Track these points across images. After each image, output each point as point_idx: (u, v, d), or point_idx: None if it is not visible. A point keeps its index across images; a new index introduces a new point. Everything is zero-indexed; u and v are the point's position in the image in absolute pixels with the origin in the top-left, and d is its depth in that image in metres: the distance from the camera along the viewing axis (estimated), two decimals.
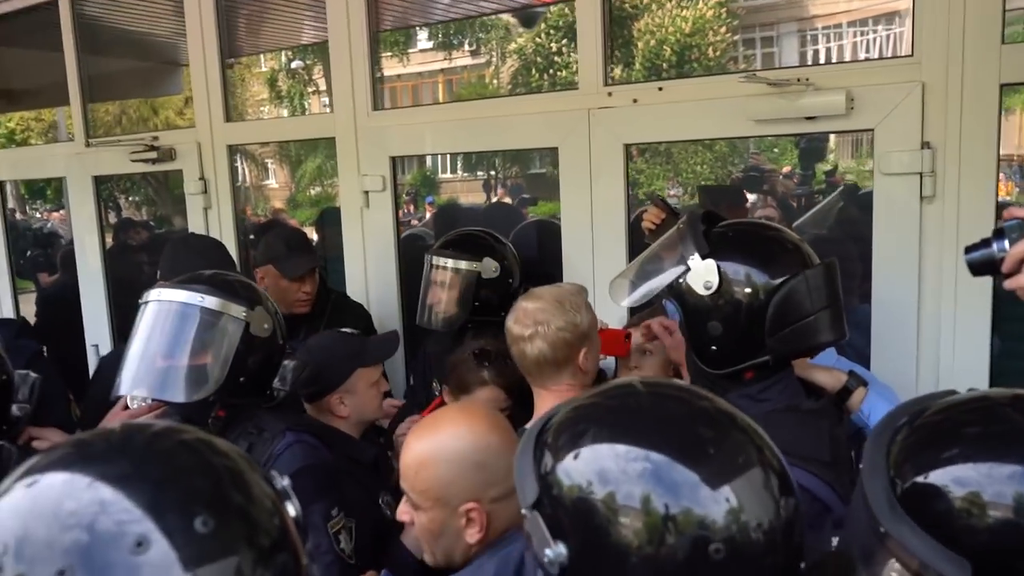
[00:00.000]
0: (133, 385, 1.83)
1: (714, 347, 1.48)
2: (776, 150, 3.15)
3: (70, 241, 4.42)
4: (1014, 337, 2.15)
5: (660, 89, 2.53)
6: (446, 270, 2.57)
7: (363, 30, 3.09)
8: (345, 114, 3.17)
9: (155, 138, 3.74)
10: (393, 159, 3.12)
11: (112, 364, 2.58)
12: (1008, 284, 1.10)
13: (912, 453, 0.90)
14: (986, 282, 2.06)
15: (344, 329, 2.28)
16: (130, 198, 5.11)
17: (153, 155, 3.65)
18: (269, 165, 4.48)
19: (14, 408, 1.92)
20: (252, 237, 3.82)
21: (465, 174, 4.16)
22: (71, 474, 0.73)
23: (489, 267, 2.55)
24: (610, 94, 2.60)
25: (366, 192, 3.16)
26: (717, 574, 0.85)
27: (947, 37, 2.07)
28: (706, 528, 0.85)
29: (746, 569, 0.87)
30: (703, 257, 1.46)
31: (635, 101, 2.56)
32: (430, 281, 2.61)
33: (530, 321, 1.81)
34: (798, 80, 2.24)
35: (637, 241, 2.65)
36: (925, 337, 2.16)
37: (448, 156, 3.96)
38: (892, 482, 0.88)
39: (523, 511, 0.93)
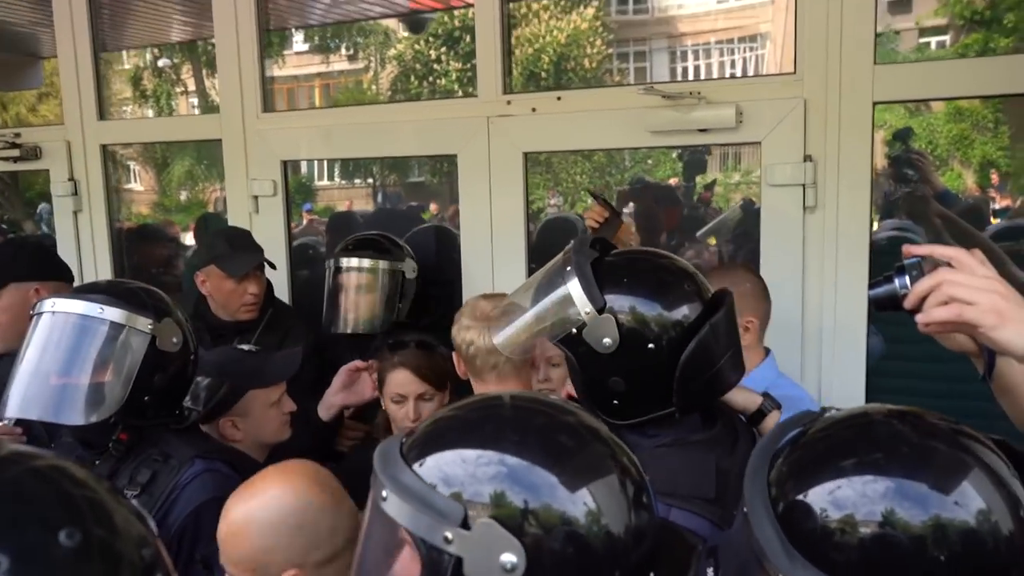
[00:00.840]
0: (23, 407, 1.65)
1: (616, 401, 1.36)
2: (650, 162, 3.28)
3: None
4: (890, 339, 2.31)
5: (559, 99, 2.57)
6: (365, 272, 2.52)
7: (253, 28, 2.98)
8: (233, 115, 3.05)
9: (17, 135, 3.46)
10: (285, 163, 3.02)
11: None
12: (920, 319, 1.09)
13: (792, 475, 0.91)
14: (861, 291, 2.22)
15: (243, 346, 2.16)
16: None
17: (15, 153, 3.38)
18: (132, 167, 4.24)
19: None
20: (128, 244, 3.61)
21: (343, 181, 4.09)
22: None
23: (410, 267, 2.55)
24: (509, 102, 2.62)
25: (255, 197, 3.04)
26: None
27: (825, 56, 2.21)
28: (569, 524, 0.85)
29: (598, 569, 0.86)
30: (599, 311, 1.31)
31: (534, 110, 2.59)
32: (346, 285, 2.53)
33: (493, 306, 1.74)
34: (691, 94, 2.33)
35: (536, 249, 2.69)
36: (809, 339, 2.29)
37: (326, 163, 3.89)
38: (774, 504, 0.89)
39: (446, 534, 0.84)
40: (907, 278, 1.12)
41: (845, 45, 2.18)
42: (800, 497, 0.87)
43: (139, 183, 4.38)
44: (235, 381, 1.98)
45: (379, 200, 4.00)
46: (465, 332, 1.81)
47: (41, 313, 1.70)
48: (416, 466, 0.90)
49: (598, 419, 1.01)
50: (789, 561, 0.84)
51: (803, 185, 2.24)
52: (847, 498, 0.84)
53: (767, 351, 2.02)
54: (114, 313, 1.65)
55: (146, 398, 1.68)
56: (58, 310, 1.68)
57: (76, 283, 3.18)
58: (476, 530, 0.84)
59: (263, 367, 2.04)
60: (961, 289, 1.05)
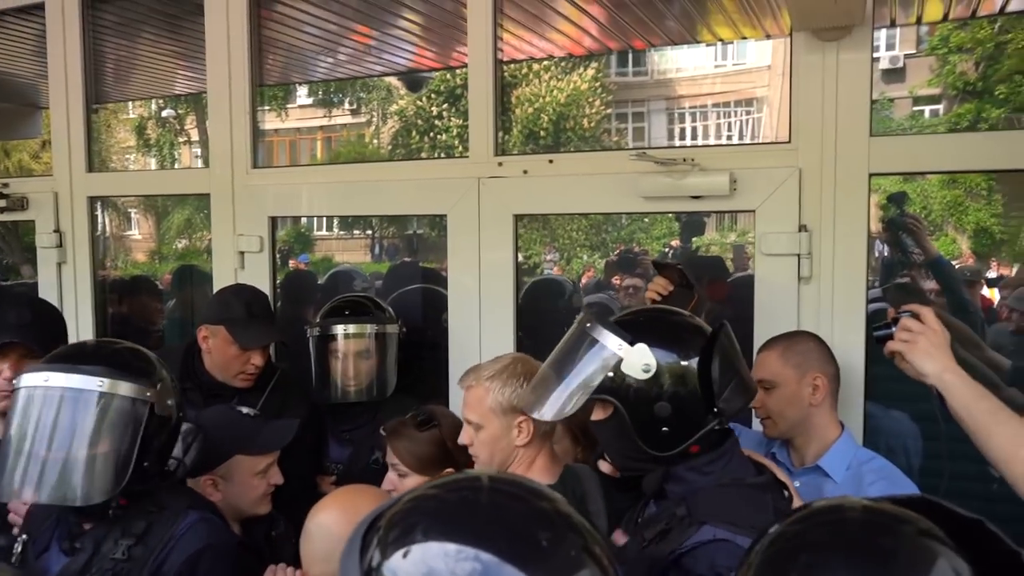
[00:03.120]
0: (22, 490, 1.56)
1: (665, 428, 1.46)
2: (647, 220, 3.26)
3: None
4: (886, 403, 2.27)
5: (551, 161, 2.54)
6: (368, 337, 2.45)
7: (245, 84, 2.97)
8: (222, 170, 3.01)
9: (5, 184, 3.43)
10: (272, 219, 2.98)
11: None
12: (888, 346, 1.68)
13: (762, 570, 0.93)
14: (859, 362, 2.17)
15: (243, 408, 2.08)
16: None
17: (2, 203, 3.34)
18: (132, 214, 4.21)
19: None
20: (116, 295, 3.55)
21: (342, 232, 4.07)
22: None
23: (398, 330, 2.52)
24: (500, 164, 2.58)
25: (241, 252, 2.99)
26: None
27: (820, 126, 2.18)
28: None
29: None
30: (631, 344, 1.45)
31: (525, 172, 2.55)
32: (342, 352, 2.44)
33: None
34: (684, 160, 2.29)
35: (525, 312, 2.63)
36: None
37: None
38: None
39: None
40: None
41: (840, 116, 2.16)
42: None
43: (138, 230, 4.35)
44: (224, 442, 1.94)
45: (376, 252, 3.96)
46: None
47: (24, 387, 1.60)
48: (376, 529, 0.90)
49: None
50: None
51: (798, 255, 2.20)
52: None
53: (842, 426, 2.00)
54: (112, 384, 1.59)
55: (145, 464, 1.62)
56: (52, 384, 1.59)
57: None
58: None
59: (255, 434, 1.99)
60: (910, 333, 1.65)
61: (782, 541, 0.97)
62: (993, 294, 2.50)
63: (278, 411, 2.35)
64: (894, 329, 1.69)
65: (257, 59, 3.00)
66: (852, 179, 2.15)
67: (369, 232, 4.04)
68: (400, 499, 0.97)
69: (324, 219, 3.94)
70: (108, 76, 3.52)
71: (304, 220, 3.59)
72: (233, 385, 2.39)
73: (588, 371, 1.48)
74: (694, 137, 3.05)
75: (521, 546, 0.87)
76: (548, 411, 1.53)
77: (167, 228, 4.23)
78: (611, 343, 1.47)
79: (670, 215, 3.21)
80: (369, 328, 2.46)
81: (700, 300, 2.00)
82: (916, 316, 1.68)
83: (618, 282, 3.51)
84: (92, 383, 1.58)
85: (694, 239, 3.24)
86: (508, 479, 1.04)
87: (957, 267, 2.50)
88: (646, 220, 3.23)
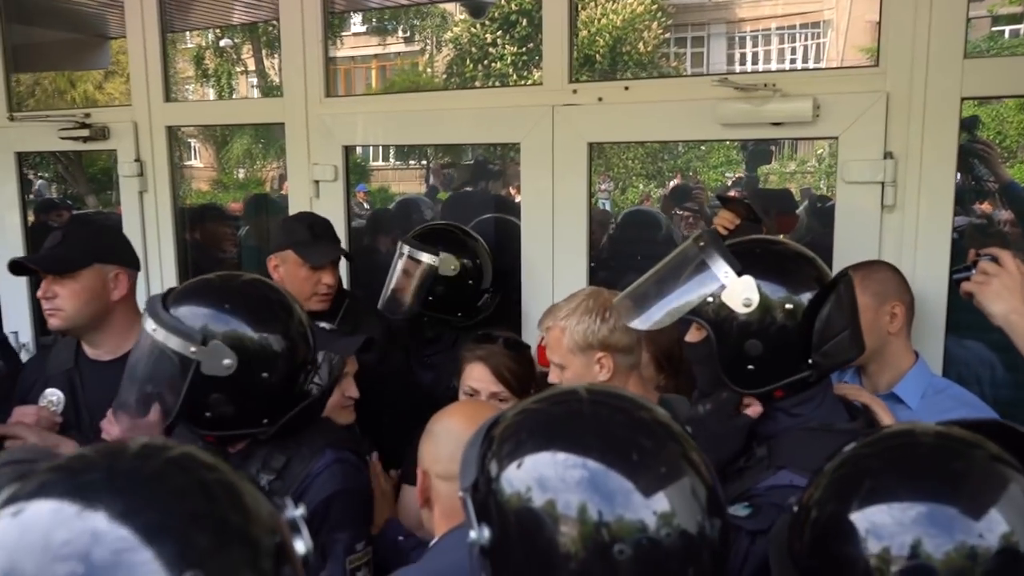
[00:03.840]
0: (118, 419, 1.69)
1: (751, 366, 1.43)
2: (703, 148, 3.20)
3: None
4: (968, 336, 2.24)
5: (626, 88, 2.51)
6: (405, 259, 2.54)
7: (318, 11, 2.97)
8: (296, 100, 3.05)
9: (87, 115, 3.52)
10: (346, 148, 3.02)
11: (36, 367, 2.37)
12: (963, 286, 1.72)
13: (828, 495, 0.98)
14: (941, 293, 2.14)
15: (323, 324, 2.14)
16: (39, 174, 4.84)
17: (85, 133, 3.44)
18: (192, 144, 4.29)
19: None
20: (189, 223, 3.65)
21: (397, 162, 4.09)
22: (59, 502, 0.69)
23: (448, 264, 2.51)
24: (575, 91, 2.56)
25: (316, 182, 3.05)
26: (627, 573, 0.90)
27: (912, 49, 2.11)
28: (643, 530, 0.91)
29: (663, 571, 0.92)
30: (738, 274, 1.42)
31: (600, 100, 2.53)
32: (395, 268, 2.56)
33: None
34: (765, 85, 2.25)
35: (617, 240, 2.64)
36: None
37: (381, 145, 3.88)
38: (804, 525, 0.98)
39: (459, 493, 1.01)
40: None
41: (933, 37, 2.08)
42: (835, 518, 0.94)
43: (199, 160, 4.44)
44: None
45: (430, 182, 3.99)
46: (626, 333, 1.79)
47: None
48: (491, 438, 1.02)
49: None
50: None
51: (882, 183, 2.16)
52: (884, 526, 0.88)
53: (916, 354, 2.00)
54: (161, 334, 1.58)
55: (207, 414, 1.60)
56: (144, 325, 1.63)
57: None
58: (464, 498, 1.01)
59: (330, 344, 2.03)
60: (986, 275, 1.67)
61: (851, 464, 0.99)
62: None
63: (351, 334, 2.42)
64: (973, 272, 1.70)
65: None
66: (943, 103, 2.08)
67: (424, 162, 4.06)
68: (507, 413, 1.06)
69: (380, 150, 3.96)
70: (176, 5, 3.56)
71: (359, 150, 3.62)
72: (310, 309, 2.44)
73: (689, 291, 1.46)
74: (755, 62, 2.96)
75: (625, 453, 0.94)
76: (641, 322, 1.51)
77: (225, 159, 4.31)
78: (719, 269, 1.44)
79: (727, 143, 3.15)
80: (404, 249, 2.55)
81: (769, 234, 1.99)
82: (995, 260, 1.69)
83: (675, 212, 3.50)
84: (148, 325, 1.59)
85: (758, 168, 3.18)
86: (605, 391, 1.10)
87: None
88: (702, 148, 3.17)
